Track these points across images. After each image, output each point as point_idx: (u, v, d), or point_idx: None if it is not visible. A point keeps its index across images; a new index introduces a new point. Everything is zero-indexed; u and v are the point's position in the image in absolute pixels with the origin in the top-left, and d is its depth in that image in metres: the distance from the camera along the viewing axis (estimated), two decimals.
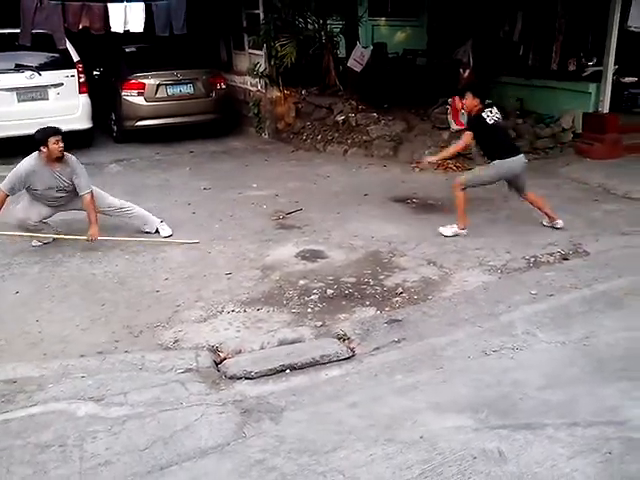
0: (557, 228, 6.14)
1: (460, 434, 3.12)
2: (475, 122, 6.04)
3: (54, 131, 5.54)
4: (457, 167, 8.65)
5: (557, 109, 9.38)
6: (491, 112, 5.99)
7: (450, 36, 10.62)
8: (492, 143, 6.05)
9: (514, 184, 6.19)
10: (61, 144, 5.54)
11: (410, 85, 10.22)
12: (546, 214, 6.24)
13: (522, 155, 6.12)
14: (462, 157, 8.91)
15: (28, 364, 3.96)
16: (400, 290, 4.95)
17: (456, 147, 6.29)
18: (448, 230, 6.06)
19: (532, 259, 5.42)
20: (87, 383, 3.70)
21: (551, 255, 5.49)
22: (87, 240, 5.67)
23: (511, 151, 6.04)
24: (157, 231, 6.16)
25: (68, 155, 5.68)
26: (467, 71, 9.52)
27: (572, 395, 3.47)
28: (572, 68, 9.57)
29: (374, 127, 9.50)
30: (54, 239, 6.00)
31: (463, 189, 6.06)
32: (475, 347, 4.01)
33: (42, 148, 5.53)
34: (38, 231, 5.91)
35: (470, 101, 5.98)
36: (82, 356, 4.05)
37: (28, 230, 5.87)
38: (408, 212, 6.89)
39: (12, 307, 4.78)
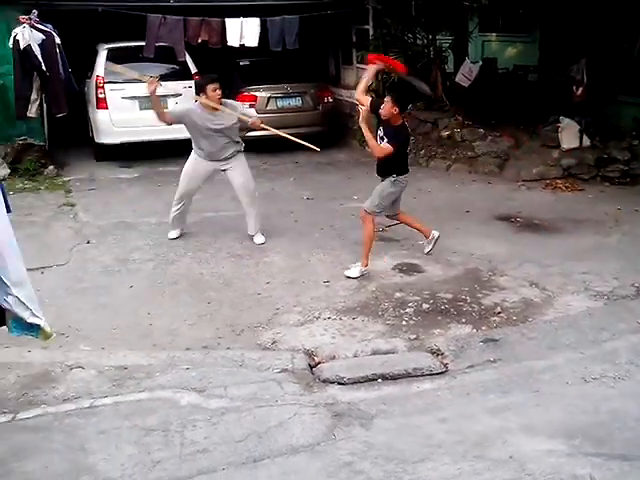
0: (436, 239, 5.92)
1: (551, 457, 3.07)
2: (405, 133, 5.66)
3: (213, 79, 5.99)
4: (566, 187, 8.40)
5: None
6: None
7: (563, 52, 10.29)
8: (404, 155, 5.69)
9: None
10: (219, 91, 5.96)
11: (520, 101, 9.99)
12: (419, 230, 6.01)
13: None
14: (572, 177, 8.65)
15: (138, 353, 4.28)
16: (498, 310, 4.90)
17: (380, 150, 5.51)
18: (354, 271, 5.56)
19: None
20: (191, 374, 3.95)
21: None
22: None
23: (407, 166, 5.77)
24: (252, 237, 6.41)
25: (225, 101, 6.14)
26: (580, 89, 9.20)
27: None
28: None
29: (480, 143, 9.39)
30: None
31: (375, 215, 5.74)
32: (574, 373, 3.91)
33: (201, 94, 6.01)
34: (185, 212, 6.47)
35: (389, 107, 5.37)
36: (188, 349, 4.33)
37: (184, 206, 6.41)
38: (511, 231, 6.77)
39: (127, 300, 5.16)
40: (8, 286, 2.31)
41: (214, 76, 6.11)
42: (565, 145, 8.94)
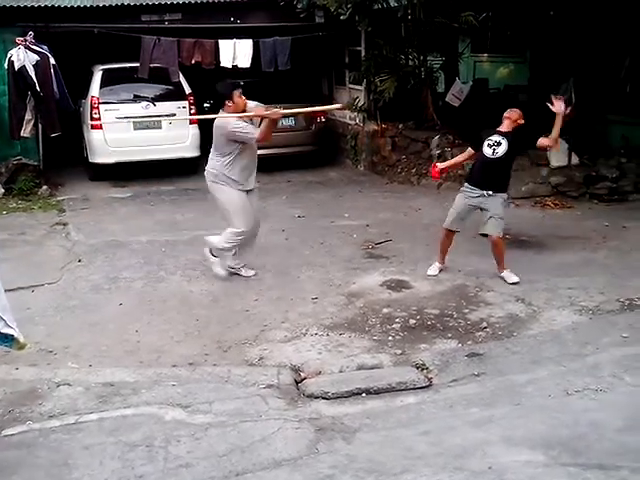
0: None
1: (529, 468, 3.09)
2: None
3: (238, 85, 5.69)
4: (555, 205, 8.49)
5: None
6: None
7: (553, 72, 10.45)
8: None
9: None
10: (244, 97, 5.54)
11: None
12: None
13: None
14: (561, 195, 8.73)
15: (125, 370, 4.30)
16: (484, 325, 4.94)
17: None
18: (434, 270, 6.01)
19: (627, 302, 5.21)
20: (177, 391, 3.97)
21: None
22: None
23: None
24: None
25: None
26: (569, 108, 9.30)
27: None
28: None
29: (470, 162, 9.47)
30: None
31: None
32: (557, 386, 3.94)
33: (227, 102, 5.51)
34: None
35: (517, 116, 6.18)
36: (174, 366, 4.35)
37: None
38: None
39: (115, 317, 5.19)
40: None
41: (236, 81, 5.80)
42: (554, 163, 9.03)
